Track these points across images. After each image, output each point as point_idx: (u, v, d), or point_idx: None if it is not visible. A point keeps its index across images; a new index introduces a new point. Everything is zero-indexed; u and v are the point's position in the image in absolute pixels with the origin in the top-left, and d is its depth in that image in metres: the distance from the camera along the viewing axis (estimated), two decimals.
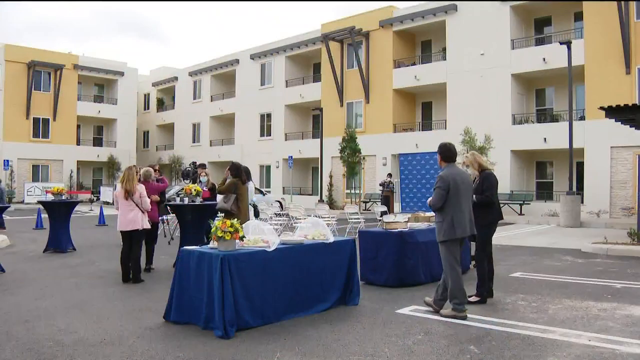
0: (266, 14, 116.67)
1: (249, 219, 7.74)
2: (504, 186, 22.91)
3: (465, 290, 5.75)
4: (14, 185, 34.12)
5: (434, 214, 8.82)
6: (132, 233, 7.81)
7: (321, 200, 27.15)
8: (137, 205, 7.79)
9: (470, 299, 6.29)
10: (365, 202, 27.42)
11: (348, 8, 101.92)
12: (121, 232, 7.91)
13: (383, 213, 14.42)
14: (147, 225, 7.99)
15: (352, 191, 27.62)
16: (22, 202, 33.16)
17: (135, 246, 7.85)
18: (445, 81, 25.57)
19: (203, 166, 11.67)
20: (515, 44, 23.59)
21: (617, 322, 5.42)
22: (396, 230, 7.45)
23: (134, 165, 8.31)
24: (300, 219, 13.10)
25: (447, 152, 5.95)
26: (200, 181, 10.84)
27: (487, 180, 6.46)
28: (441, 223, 5.76)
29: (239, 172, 8.23)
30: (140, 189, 7.92)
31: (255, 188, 27.54)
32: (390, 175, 24.11)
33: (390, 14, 27.93)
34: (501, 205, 22.89)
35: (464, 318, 5.56)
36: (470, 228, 5.85)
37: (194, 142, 40.80)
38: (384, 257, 7.31)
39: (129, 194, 7.74)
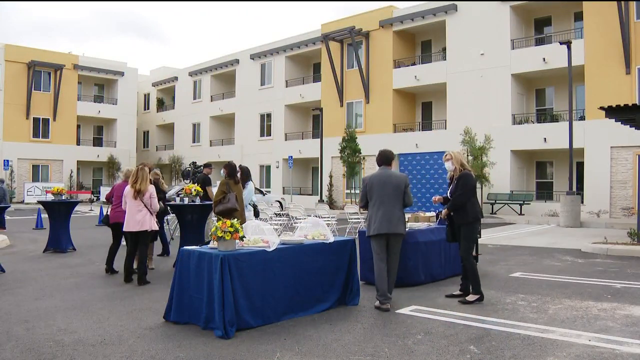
0: (266, 14, 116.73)
1: (245, 220, 7.67)
2: (504, 186, 22.93)
3: (385, 284, 6.09)
4: (14, 185, 34.14)
5: (434, 214, 8.90)
6: (139, 234, 7.68)
7: (321, 200, 27.15)
8: (145, 205, 7.64)
9: (468, 299, 6.33)
10: None
11: (348, 8, 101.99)
12: (126, 232, 7.76)
13: None
14: (156, 227, 7.86)
15: (352, 191, 27.61)
16: (22, 202, 33.17)
17: (142, 247, 7.72)
18: (445, 81, 25.57)
19: (208, 166, 11.63)
20: (515, 44, 23.59)
21: (617, 322, 5.42)
22: None
23: (145, 165, 8.08)
24: (300, 219, 13.09)
25: (379, 157, 6.45)
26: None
27: (462, 180, 6.40)
28: (366, 218, 6.40)
29: (233, 172, 8.19)
30: (151, 189, 7.75)
31: (255, 188, 27.52)
32: None
33: (390, 14, 27.94)
34: (501, 205, 22.87)
35: (387, 310, 5.94)
36: (388, 227, 6.07)
37: (194, 142, 40.80)
38: None
39: (139, 194, 7.57)
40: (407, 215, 8.62)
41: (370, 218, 6.22)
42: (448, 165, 6.66)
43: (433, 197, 7.01)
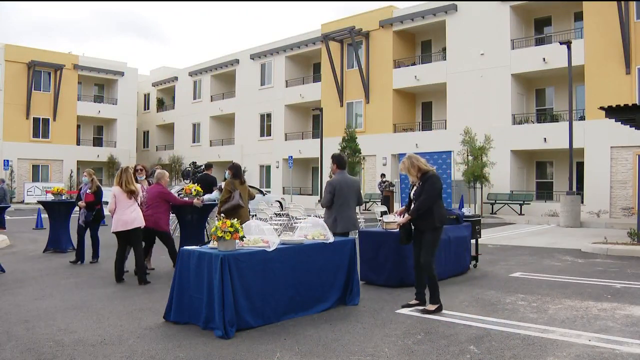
0: (266, 14, 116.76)
1: (248, 219, 7.77)
2: (504, 186, 22.93)
3: None
4: (14, 185, 34.13)
5: None
6: (130, 232, 7.76)
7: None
8: (138, 205, 7.91)
9: (428, 308, 5.88)
10: (365, 202, 27.43)
11: (348, 8, 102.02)
12: (118, 232, 7.79)
13: (383, 213, 14.43)
14: (143, 224, 8.02)
15: None
16: (22, 202, 33.17)
17: (137, 246, 7.83)
18: (445, 81, 25.57)
19: (209, 166, 11.61)
20: (515, 44, 23.59)
21: (617, 322, 5.42)
22: (396, 230, 7.43)
23: (128, 167, 8.36)
24: (300, 219, 13.10)
25: (341, 160, 7.21)
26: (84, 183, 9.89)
27: (428, 181, 5.94)
28: (329, 219, 6.88)
29: (238, 173, 8.33)
30: (139, 187, 8.05)
31: (255, 188, 27.43)
32: (383, 175, 24.12)
33: (390, 14, 27.94)
34: (501, 205, 22.79)
35: None
36: (353, 225, 7.10)
37: (194, 142, 40.81)
38: (384, 257, 7.32)
39: (132, 194, 7.78)
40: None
41: (336, 217, 6.94)
42: (408, 176, 6.22)
43: (395, 211, 6.93)
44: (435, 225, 5.94)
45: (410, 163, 6.07)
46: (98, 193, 9.74)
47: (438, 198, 5.98)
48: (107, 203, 8.28)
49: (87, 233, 9.78)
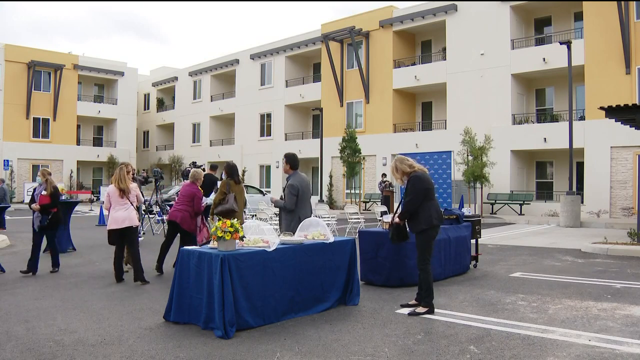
0: (266, 14, 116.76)
1: (243, 221, 7.72)
2: (504, 186, 22.92)
3: None
4: (14, 185, 34.13)
5: None
6: (124, 231, 7.83)
7: (321, 200, 27.14)
8: (131, 203, 7.99)
9: (418, 310, 5.83)
10: (365, 202, 27.43)
11: (348, 8, 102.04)
12: (112, 230, 7.85)
13: (383, 213, 14.43)
14: (137, 223, 8.08)
15: (352, 191, 27.62)
16: (22, 202, 33.15)
17: (132, 245, 7.91)
18: (445, 81, 25.57)
19: (214, 167, 11.57)
20: (515, 44, 23.59)
21: (617, 322, 5.42)
22: None
23: (124, 164, 8.33)
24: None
25: (295, 161, 6.95)
26: (39, 184, 8.78)
27: (409, 183, 5.90)
28: (291, 220, 6.73)
29: (232, 172, 8.30)
30: (134, 186, 8.14)
31: (255, 188, 27.45)
32: (384, 175, 24.13)
33: (390, 14, 27.94)
34: (501, 205, 22.75)
35: None
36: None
37: (194, 142, 40.80)
38: (384, 257, 7.31)
39: (124, 193, 7.87)
40: None
41: (300, 218, 6.62)
42: (395, 180, 6.20)
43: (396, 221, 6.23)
44: (422, 228, 5.86)
45: (395, 167, 6.07)
46: (55, 195, 8.56)
47: (424, 199, 5.87)
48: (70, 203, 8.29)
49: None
